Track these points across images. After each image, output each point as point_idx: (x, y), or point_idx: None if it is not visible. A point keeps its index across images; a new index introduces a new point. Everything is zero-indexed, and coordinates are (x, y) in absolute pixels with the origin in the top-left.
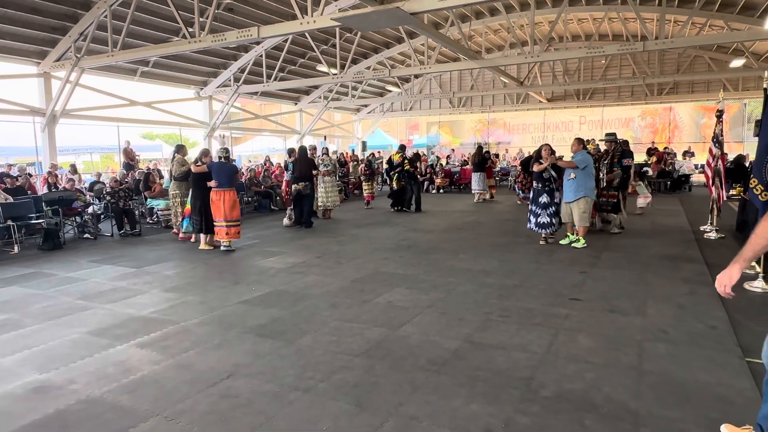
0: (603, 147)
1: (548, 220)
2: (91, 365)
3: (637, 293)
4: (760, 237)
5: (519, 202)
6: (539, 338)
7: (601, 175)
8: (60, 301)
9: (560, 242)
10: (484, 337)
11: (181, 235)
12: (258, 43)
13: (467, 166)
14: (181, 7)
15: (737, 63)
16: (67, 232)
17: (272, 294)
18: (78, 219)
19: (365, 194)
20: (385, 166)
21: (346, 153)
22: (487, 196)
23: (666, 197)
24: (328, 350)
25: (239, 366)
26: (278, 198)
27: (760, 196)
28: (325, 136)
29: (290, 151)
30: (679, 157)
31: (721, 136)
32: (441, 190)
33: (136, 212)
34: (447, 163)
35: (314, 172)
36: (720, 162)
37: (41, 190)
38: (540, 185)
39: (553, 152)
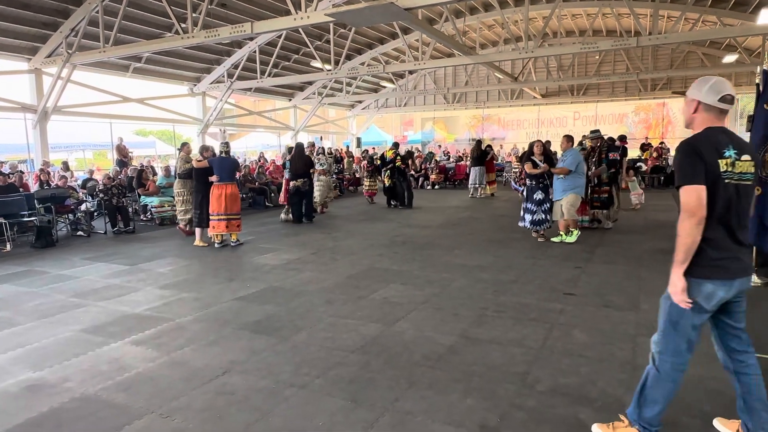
0: (589, 144)
1: (543, 216)
2: (85, 363)
3: (631, 288)
4: (685, 237)
5: (521, 196)
6: (534, 333)
7: (589, 172)
8: (53, 299)
9: (552, 240)
10: (479, 332)
11: (188, 229)
12: (251, 39)
13: (462, 162)
14: (174, 2)
15: (730, 58)
16: (60, 230)
17: (267, 290)
18: (71, 216)
19: (365, 191)
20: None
21: (341, 149)
22: (487, 192)
23: (659, 192)
24: (324, 346)
25: (234, 363)
26: (272, 195)
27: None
28: (321, 136)
29: (290, 149)
30: (672, 152)
31: None
32: (436, 186)
33: (130, 209)
34: (441, 158)
35: (311, 170)
36: None
37: (33, 187)
38: (534, 182)
39: (545, 147)
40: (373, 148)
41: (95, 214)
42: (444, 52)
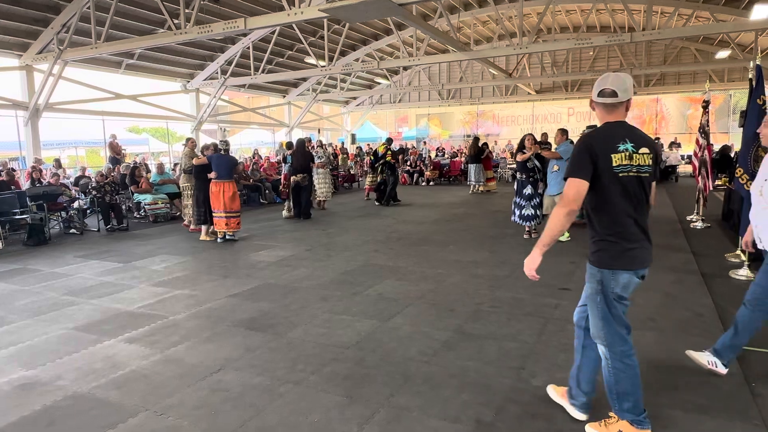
0: None
1: (533, 212)
2: (78, 361)
3: None
4: (555, 224)
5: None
6: (529, 328)
7: None
8: (46, 297)
9: None
10: (474, 327)
11: (192, 227)
12: (245, 35)
13: (457, 158)
14: None
15: (723, 54)
16: (53, 228)
17: (262, 287)
18: (63, 214)
19: (367, 186)
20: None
21: (335, 145)
22: (489, 187)
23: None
24: (319, 343)
25: (229, 360)
26: (267, 191)
27: (745, 185)
28: (319, 129)
29: (290, 145)
30: (666, 148)
31: (707, 126)
32: (431, 183)
33: (123, 207)
34: (437, 155)
35: (312, 164)
36: (706, 152)
37: (25, 185)
38: (524, 176)
39: (537, 142)
40: (368, 145)
41: (88, 211)
42: (438, 48)
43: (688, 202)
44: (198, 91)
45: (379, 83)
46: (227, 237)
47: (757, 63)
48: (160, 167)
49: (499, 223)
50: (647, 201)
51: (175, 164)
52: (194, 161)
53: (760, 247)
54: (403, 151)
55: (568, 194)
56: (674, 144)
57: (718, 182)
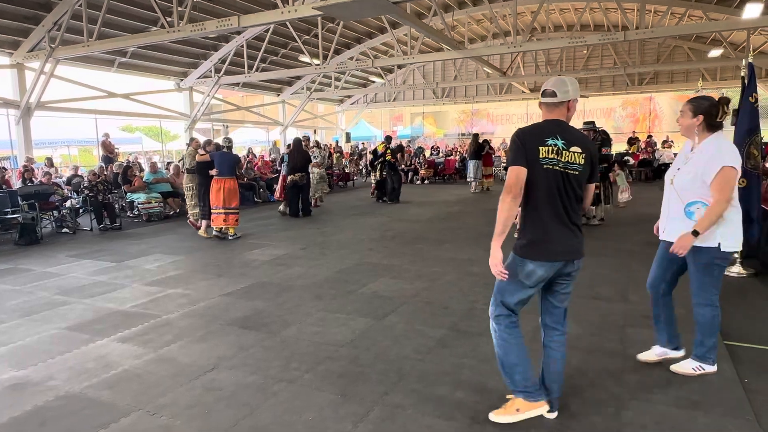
0: None
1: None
2: (70, 361)
3: (620, 280)
4: (503, 211)
5: None
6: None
7: None
8: (37, 297)
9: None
10: (469, 325)
11: (197, 223)
12: (238, 33)
13: (451, 157)
14: None
15: (715, 53)
16: (45, 227)
17: (256, 286)
18: (55, 213)
19: (373, 185)
20: (370, 156)
21: (330, 144)
22: (485, 185)
23: (647, 186)
24: (313, 341)
25: (222, 358)
26: (261, 190)
27: (738, 183)
28: (315, 129)
29: (289, 144)
30: (659, 146)
31: None
32: (425, 181)
33: (116, 206)
34: (431, 154)
35: (309, 163)
36: None
37: (16, 184)
38: None
39: None
40: (363, 143)
41: (81, 210)
42: (433, 46)
43: None
44: (191, 89)
45: (373, 82)
46: (230, 237)
47: (749, 61)
48: (154, 166)
49: (493, 221)
50: (578, 199)
51: (168, 163)
52: (197, 158)
53: (661, 237)
54: (401, 148)
55: (509, 180)
56: (667, 143)
57: None
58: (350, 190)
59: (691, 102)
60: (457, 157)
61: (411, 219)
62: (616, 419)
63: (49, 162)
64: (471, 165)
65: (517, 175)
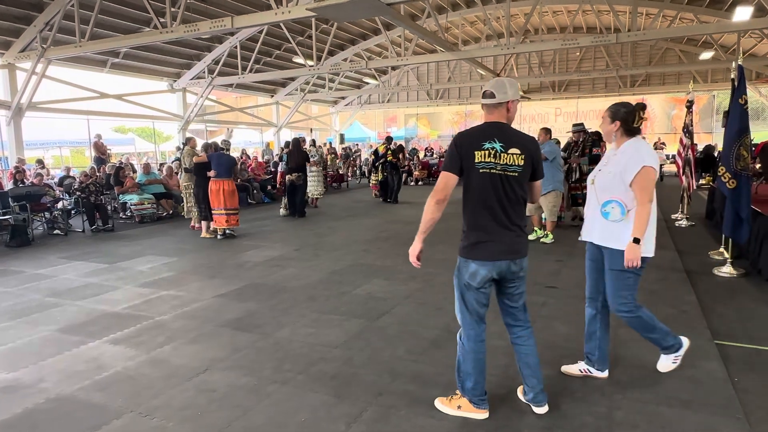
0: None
1: None
2: (61, 363)
3: None
4: (427, 213)
5: None
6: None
7: (573, 165)
8: (28, 299)
9: (528, 237)
10: None
11: (197, 225)
12: (232, 34)
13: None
14: None
15: (706, 55)
16: (36, 228)
17: (249, 287)
18: (47, 215)
19: (372, 184)
20: (371, 157)
21: (324, 145)
22: None
23: None
24: (306, 342)
25: (215, 360)
26: (255, 191)
27: (727, 184)
28: (311, 129)
29: (287, 144)
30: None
31: (691, 126)
32: (419, 182)
33: (109, 207)
34: (425, 155)
35: (307, 163)
36: (690, 152)
37: (7, 185)
38: None
39: None
40: (356, 145)
41: (73, 212)
42: (426, 48)
43: (673, 201)
44: (185, 90)
45: (367, 83)
46: (227, 233)
47: (740, 63)
48: (146, 167)
49: None
50: (520, 200)
51: (162, 164)
52: (195, 159)
53: (581, 237)
54: (401, 149)
55: (438, 185)
56: (658, 144)
57: (702, 181)
58: (344, 192)
59: (609, 109)
60: None
61: (405, 220)
62: (607, 419)
63: (40, 163)
64: None
65: (446, 181)
